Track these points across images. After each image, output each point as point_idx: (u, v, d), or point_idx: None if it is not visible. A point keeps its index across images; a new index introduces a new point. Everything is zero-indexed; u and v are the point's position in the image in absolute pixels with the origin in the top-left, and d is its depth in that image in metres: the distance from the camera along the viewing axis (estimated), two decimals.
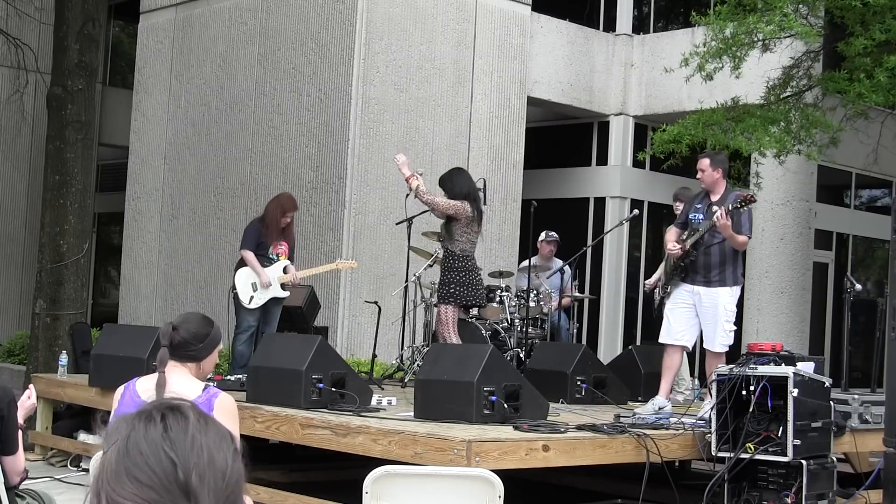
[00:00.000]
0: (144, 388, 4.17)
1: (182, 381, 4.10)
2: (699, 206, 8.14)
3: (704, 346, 8.13)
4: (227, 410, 3.99)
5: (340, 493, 6.67)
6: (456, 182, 9.18)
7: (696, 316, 8.02)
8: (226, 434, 1.44)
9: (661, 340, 8.32)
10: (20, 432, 5.03)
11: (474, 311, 10.27)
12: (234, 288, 9.46)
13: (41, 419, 9.63)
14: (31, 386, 5.27)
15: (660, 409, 7.96)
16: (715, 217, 7.73)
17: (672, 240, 8.17)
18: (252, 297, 9.41)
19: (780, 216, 14.27)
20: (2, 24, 14.53)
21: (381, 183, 12.93)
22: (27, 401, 5.07)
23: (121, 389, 4.22)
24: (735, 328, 8.07)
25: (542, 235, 11.66)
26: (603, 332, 15.64)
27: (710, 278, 7.97)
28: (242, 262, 9.54)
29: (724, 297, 7.94)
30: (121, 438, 1.39)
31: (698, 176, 8.16)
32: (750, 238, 8.07)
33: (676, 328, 8.06)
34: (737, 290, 8.05)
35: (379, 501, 4.73)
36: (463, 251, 9.04)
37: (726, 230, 7.75)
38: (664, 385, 8.17)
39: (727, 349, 8.00)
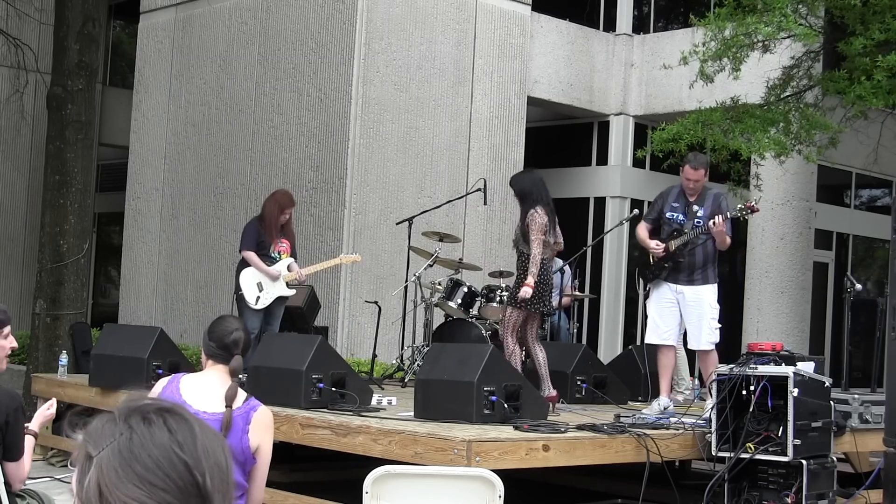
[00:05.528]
0: (189, 388, 4.09)
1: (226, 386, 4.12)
2: (676, 204, 8.08)
3: (690, 345, 8.16)
4: (263, 424, 4.03)
5: (340, 493, 6.68)
6: (525, 185, 8.95)
7: (680, 314, 8.04)
8: (218, 433, 1.47)
9: (648, 341, 8.32)
10: (32, 439, 4.98)
11: (474, 311, 10.27)
12: (238, 290, 9.26)
13: None
14: (53, 399, 5.30)
15: (664, 409, 7.97)
16: (711, 223, 7.75)
17: (646, 237, 8.15)
18: (258, 298, 9.24)
19: (780, 216, 14.26)
20: (2, 24, 14.52)
21: (381, 183, 12.93)
22: (46, 410, 5.05)
23: (163, 382, 4.18)
24: (720, 325, 8.09)
25: None
26: (603, 332, 15.64)
27: (693, 278, 8.01)
28: (244, 264, 9.33)
29: (708, 295, 7.99)
30: (118, 441, 1.38)
31: (692, 186, 7.99)
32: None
33: (664, 328, 8.08)
34: (716, 287, 8.11)
35: (379, 501, 4.73)
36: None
37: (721, 236, 7.78)
38: (664, 384, 8.18)
39: (713, 346, 8.01)
